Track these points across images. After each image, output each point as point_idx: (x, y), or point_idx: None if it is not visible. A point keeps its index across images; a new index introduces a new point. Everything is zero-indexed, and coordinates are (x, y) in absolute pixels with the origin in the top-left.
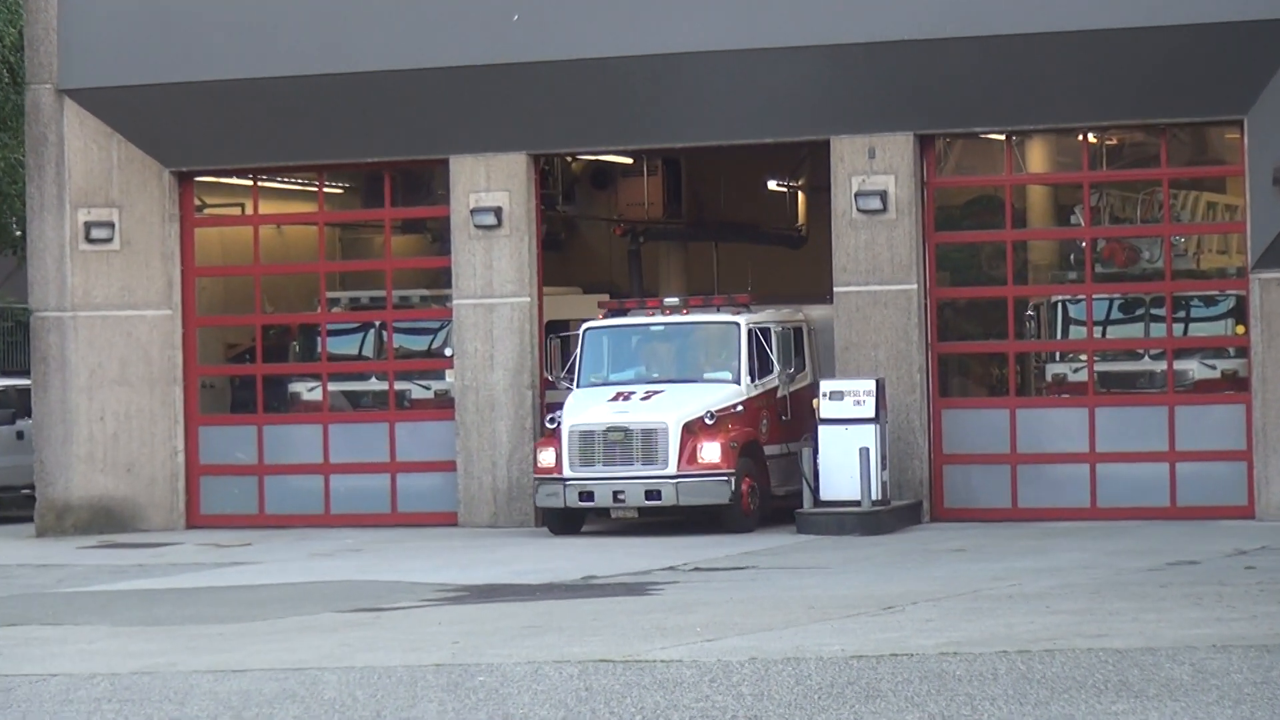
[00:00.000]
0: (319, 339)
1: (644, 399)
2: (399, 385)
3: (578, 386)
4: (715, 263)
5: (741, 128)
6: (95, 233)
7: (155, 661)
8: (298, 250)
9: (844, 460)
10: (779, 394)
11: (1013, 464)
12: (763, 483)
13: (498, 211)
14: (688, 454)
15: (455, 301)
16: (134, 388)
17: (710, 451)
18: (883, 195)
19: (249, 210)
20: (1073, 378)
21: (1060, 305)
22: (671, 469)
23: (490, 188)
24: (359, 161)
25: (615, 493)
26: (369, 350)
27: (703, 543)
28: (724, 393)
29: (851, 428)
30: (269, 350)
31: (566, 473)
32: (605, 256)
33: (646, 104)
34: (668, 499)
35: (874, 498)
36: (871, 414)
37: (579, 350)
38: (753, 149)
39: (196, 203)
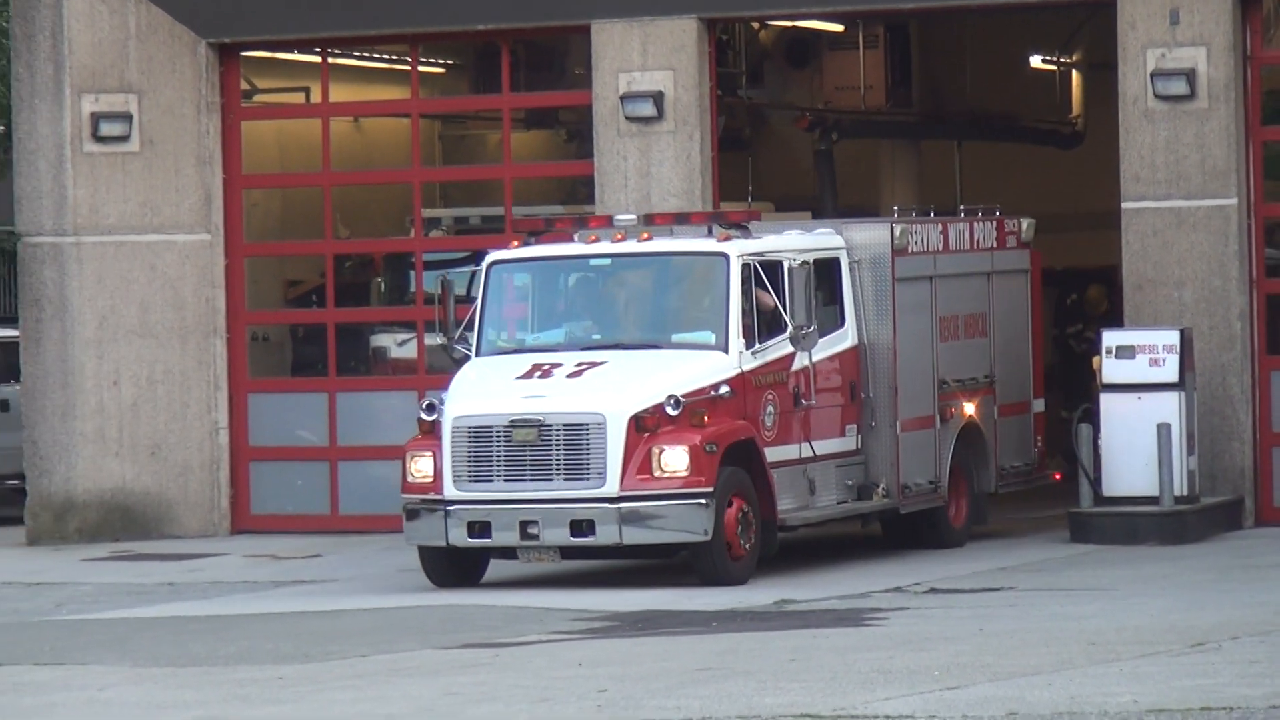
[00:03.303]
0: (412, 274)
1: (573, 375)
2: None
3: (478, 354)
4: (958, 169)
5: None
6: (106, 128)
7: (191, 716)
8: (383, 153)
9: (1135, 441)
10: (795, 365)
11: None
12: (764, 507)
13: (658, 98)
14: (638, 463)
15: None
16: (160, 341)
17: (674, 458)
18: (1189, 75)
19: (316, 98)
20: None
21: None
22: (612, 487)
23: (648, 65)
24: (467, 29)
25: (524, 524)
26: None
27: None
28: (701, 365)
29: (1146, 396)
30: (344, 290)
31: (450, 492)
32: (805, 160)
33: None
34: (605, 535)
35: (1177, 493)
36: (1174, 377)
37: (480, 296)
38: (1011, 10)
39: (244, 86)
